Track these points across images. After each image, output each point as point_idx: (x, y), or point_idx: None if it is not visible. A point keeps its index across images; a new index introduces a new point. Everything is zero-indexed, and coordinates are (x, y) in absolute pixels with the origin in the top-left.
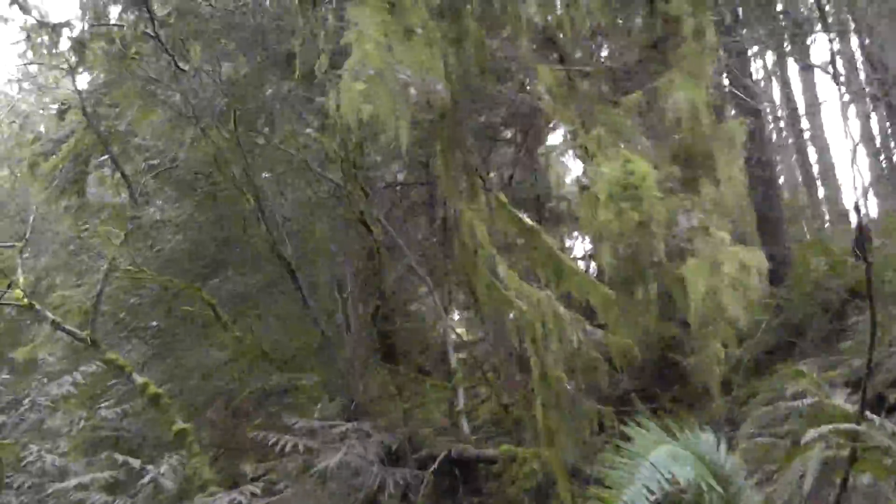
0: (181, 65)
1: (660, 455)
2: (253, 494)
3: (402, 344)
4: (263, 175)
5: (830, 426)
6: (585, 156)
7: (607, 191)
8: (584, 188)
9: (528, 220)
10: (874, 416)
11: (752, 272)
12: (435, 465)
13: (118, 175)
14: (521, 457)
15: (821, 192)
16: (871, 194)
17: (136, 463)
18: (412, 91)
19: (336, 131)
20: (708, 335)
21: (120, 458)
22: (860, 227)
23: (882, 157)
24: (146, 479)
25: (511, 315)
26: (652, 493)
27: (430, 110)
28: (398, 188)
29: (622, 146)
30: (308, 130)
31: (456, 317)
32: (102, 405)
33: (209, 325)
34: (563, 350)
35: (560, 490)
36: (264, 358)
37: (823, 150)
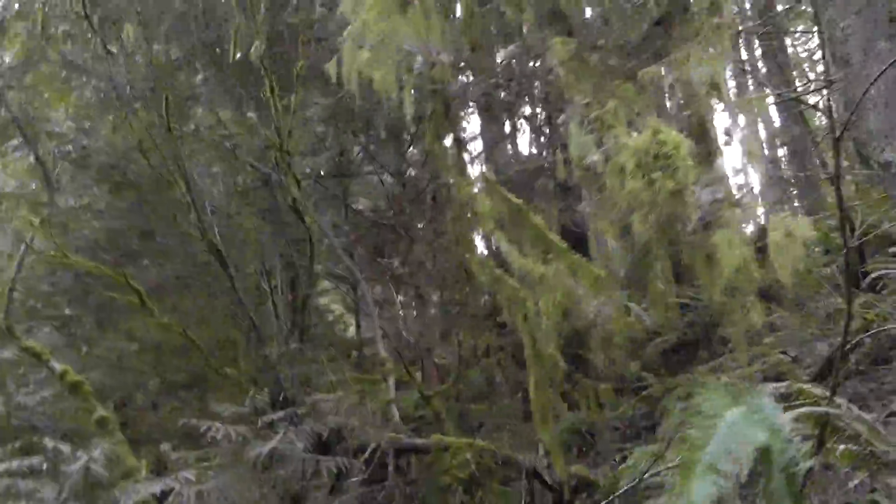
0: (110, 47)
1: (736, 416)
2: (187, 480)
3: (330, 334)
4: (195, 162)
5: (804, 409)
6: (603, 128)
7: (635, 160)
8: (608, 159)
9: (514, 199)
10: (843, 401)
11: (797, 240)
12: (366, 455)
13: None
14: (455, 447)
15: None
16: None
17: (66, 449)
18: (419, 59)
19: (272, 118)
20: (735, 307)
21: (50, 443)
22: (762, 229)
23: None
24: (76, 466)
25: (503, 293)
26: (730, 453)
27: (430, 80)
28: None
29: (640, 119)
30: (250, 114)
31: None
32: (19, 392)
33: (132, 313)
34: (569, 326)
35: (556, 467)
36: (191, 346)
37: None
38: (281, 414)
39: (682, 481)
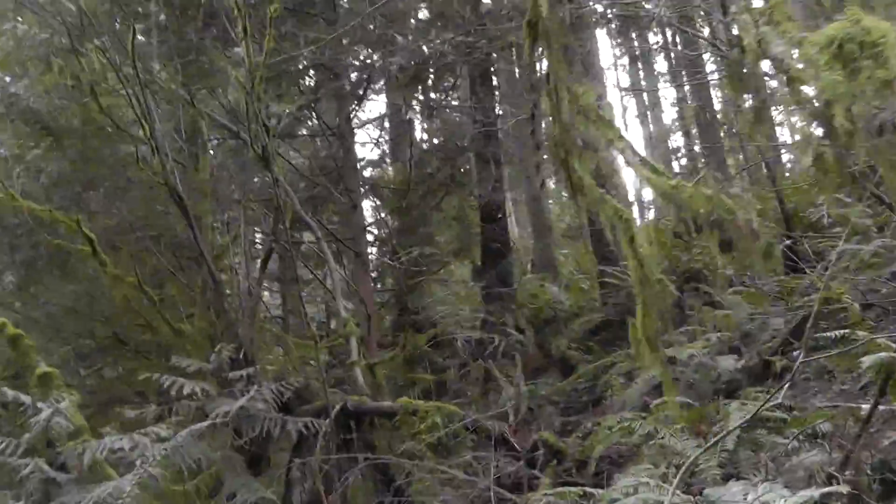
0: None
1: None
2: (157, 436)
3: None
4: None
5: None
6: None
7: (831, 50)
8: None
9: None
10: None
11: None
12: (332, 416)
13: None
14: (424, 410)
15: None
16: None
17: (27, 399)
18: None
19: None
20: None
21: (9, 393)
22: (682, 217)
23: None
24: (43, 416)
25: (605, 213)
26: None
27: None
28: None
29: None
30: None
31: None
32: None
33: (80, 261)
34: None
35: (669, 403)
36: (147, 299)
37: None
38: (249, 371)
39: None
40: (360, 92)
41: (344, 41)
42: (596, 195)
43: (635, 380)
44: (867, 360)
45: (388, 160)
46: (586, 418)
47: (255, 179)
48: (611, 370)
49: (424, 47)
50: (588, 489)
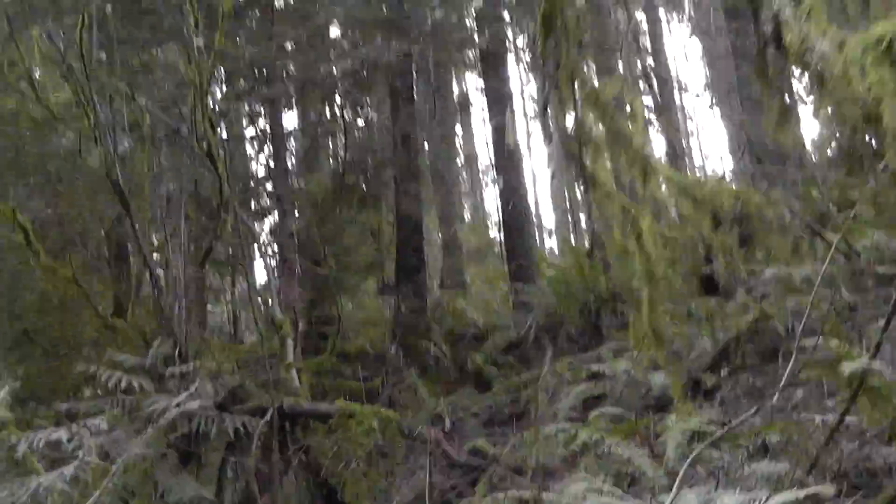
0: None
1: None
2: (96, 429)
3: None
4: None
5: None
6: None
7: (880, 49)
8: (840, 45)
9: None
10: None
11: None
12: (267, 417)
13: None
14: (361, 414)
15: None
16: None
17: None
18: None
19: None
20: None
21: None
22: (596, 236)
23: None
24: None
25: (613, 209)
26: None
27: None
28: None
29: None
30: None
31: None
32: None
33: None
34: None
35: (677, 403)
36: (79, 295)
37: None
38: (185, 368)
39: None
40: (292, 98)
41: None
42: (608, 190)
43: (560, 394)
44: (846, 368)
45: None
46: (511, 431)
47: (194, 178)
48: (533, 385)
49: (349, 60)
50: (526, 495)
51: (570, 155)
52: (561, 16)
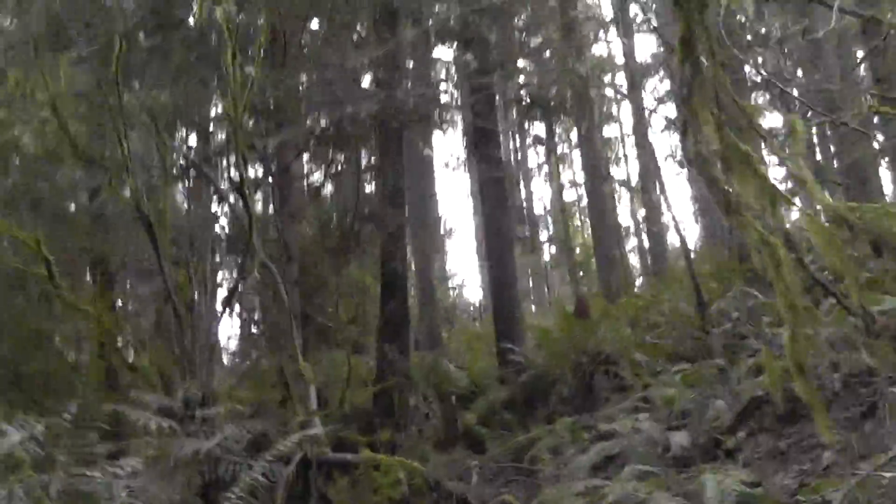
0: None
1: None
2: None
3: None
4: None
5: None
6: None
7: None
8: None
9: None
10: None
11: None
12: (292, 466)
13: None
14: (386, 464)
15: None
16: None
17: None
18: None
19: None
20: None
21: None
22: (580, 299)
23: None
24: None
25: (751, 238)
26: None
27: None
28: None
29: None
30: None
31: None
32: None
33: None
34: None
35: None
36: (103, 331)
37: None
38: (209, 412)
39: None
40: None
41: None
42: (747, 218)
43: (566, 453)
44: None
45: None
46: (518, 490)
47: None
48: (535, 444)
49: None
50: None
51: (710, 179)
52: (701, 38)
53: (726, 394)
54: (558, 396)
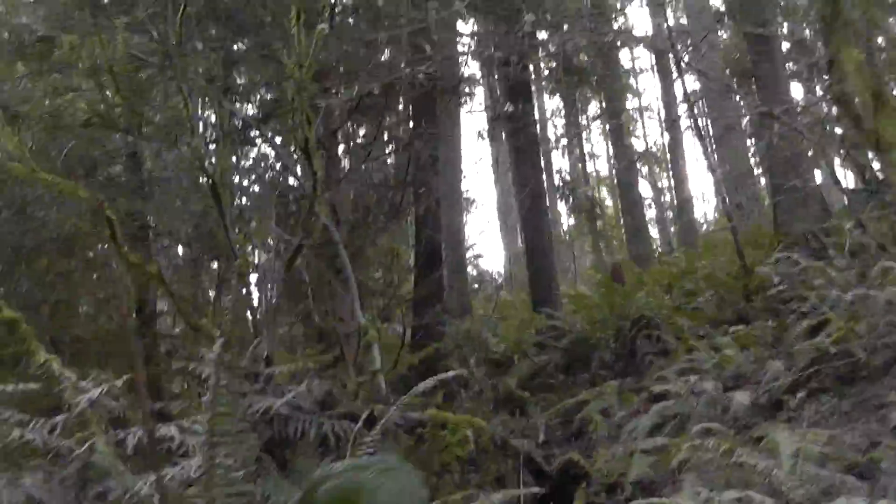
0: None
1: None
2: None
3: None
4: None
5: None
6: None
7: None
8: None
9: None
10: None
11: None
12: (359, 424)
13: None
14: (453, 423)
15: None
16: None
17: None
18: None
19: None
20: None
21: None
22: (615, 265)
23: None
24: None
25: None
26: None
27: None
28: None
29: None
30: None
31: None
32: None
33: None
34: None
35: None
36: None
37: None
38: (279, 369)
39: None
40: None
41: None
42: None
43: (614, 416)
44: None
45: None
46: (570, 450)
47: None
48: (584, 407)
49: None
50: None
51: (854, 118)
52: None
53: (780, 356)
54: (600, 361)
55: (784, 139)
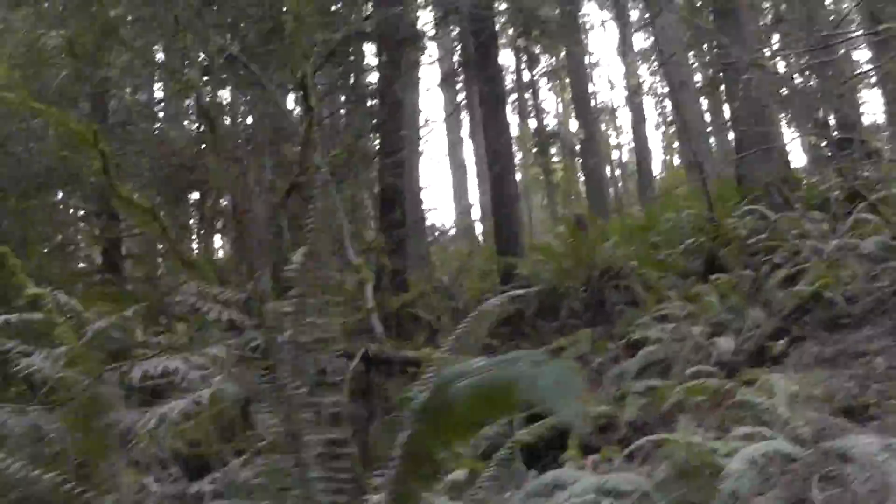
0: None
1: None
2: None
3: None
4: None
5: None
6: None
7: None
8: None
9: None
10: None
11: None
12: (355, 361)
13: None
14: (446, 362)
15: None
16: None
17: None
18: None
19: None
20: None
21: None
22: (578, 216)
23: None
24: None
25: None
26: None
27: None
28: None
29: None
30: None
31: None
32: None
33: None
34: None
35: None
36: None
37: None
38: (278, 305)
39: None
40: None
41: None
42: None
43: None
44: None
45: None
46: None
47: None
48: (559, 354)
49: None
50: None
51: None
52: None
53: (757, 305)
54: (569, 310)
55: (751, 92)
